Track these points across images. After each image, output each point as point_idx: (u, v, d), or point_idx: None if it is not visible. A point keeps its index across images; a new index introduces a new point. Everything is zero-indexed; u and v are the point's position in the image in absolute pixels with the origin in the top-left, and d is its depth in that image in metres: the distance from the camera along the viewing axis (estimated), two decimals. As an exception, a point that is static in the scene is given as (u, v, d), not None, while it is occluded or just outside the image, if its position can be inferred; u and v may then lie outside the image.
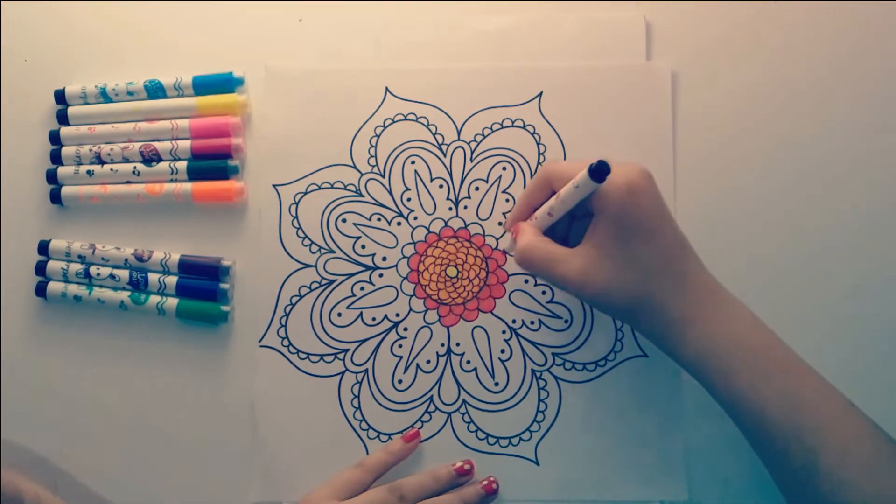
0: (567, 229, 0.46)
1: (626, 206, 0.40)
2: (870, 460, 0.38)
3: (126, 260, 0.52)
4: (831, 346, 0.50)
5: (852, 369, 0.49)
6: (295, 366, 0.50)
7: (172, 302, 0.51)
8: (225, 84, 0.52)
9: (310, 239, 0.51)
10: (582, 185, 0.40)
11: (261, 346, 0.51)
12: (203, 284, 0.51)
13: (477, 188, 0.51)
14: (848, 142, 0.51)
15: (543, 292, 0.50)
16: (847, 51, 0.51)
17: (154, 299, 0.51)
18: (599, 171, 0.39)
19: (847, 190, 0.50)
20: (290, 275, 0.51)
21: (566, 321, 0.50)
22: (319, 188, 0.51)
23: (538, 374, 0.50)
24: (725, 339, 0.41)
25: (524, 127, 0.51)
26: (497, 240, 0.51)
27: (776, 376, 0.40)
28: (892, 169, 0.50)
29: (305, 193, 0.51)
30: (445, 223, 0.51)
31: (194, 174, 0.52)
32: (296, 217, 0.51)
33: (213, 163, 0.52)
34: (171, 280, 0.51)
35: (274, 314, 0.51)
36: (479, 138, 0.51)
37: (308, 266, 0.51)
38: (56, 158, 0.53)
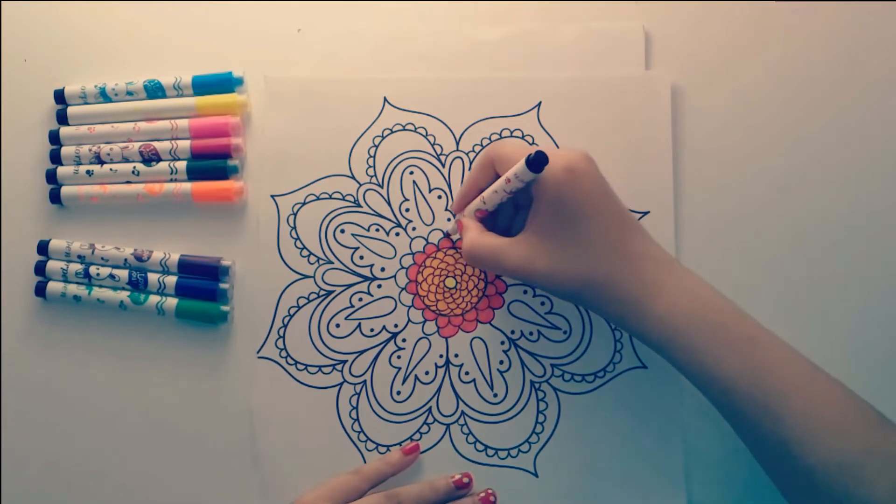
0: (512, 219, 0.47)
1: (564, 189, 0.41)
2: (836, 422, 0.38)
3: (126, 260, 0.52)
4: (833, 346, 0.49)
5: (853, 369, 0.49)
6: (293, 377, 0.50)
7: (172, 302, 0.51)
8: (224, 84, 0.52)
9: (308, 249, 0.51)
10: (520, 174, 0.41)
11: (259, 358, 0.50)
12: (203, 284, 0.51)
13: (475, 198, 0.51)
14: (849, 149, 0.50)
15: (542, 303, 0.50)
16: (846, 57, 0.51)
17: (154, 299, 0.51)
18: (537, 161, 0.39)
19: (849, 196, 0.50)
20: (289, 285, 0.51)
21: (565, 332, 0.50)
22: (318, 199, 0.51)
23: (537, 386, 0.50)
24: (685, 314, 0.40)
25: (523, 137, 0.51)
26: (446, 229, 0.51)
27: (739, 347, 0.39)
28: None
29: (304, 204, 0.51)
30: (444, 234, 0.51)
31: (194, 174, 0.52)
32: (294, 227, 0.51)
33: (212, 162, 0.52)
34: (171, 280, 0.51)
35: (272, 325, 0.51)
36: (477, 148, 0.51)
37: (306, 277, 0.51)
38: (56, 158, 0.53)
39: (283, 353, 0.50)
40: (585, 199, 0.41)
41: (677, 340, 0.40)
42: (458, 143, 0.51)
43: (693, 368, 0.40)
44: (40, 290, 0.52)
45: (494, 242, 0.43)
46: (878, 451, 0.37)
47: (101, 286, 0.52)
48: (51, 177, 0.53)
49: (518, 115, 0.51)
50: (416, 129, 0.51)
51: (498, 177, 0.44)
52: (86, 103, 0.54)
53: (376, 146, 0.51)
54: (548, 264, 0.41)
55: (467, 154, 0.51)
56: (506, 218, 0.47)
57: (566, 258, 0.41)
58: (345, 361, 0.50)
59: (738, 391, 0.39)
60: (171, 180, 0.52)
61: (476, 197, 0.46)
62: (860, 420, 0.38)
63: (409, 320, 0.50)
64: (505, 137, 0.51)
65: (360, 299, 0.51)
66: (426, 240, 0.51)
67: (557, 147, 0.51)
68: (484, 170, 0.45)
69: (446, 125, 0.51)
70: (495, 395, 0.50)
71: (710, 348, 0.40)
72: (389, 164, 0.51)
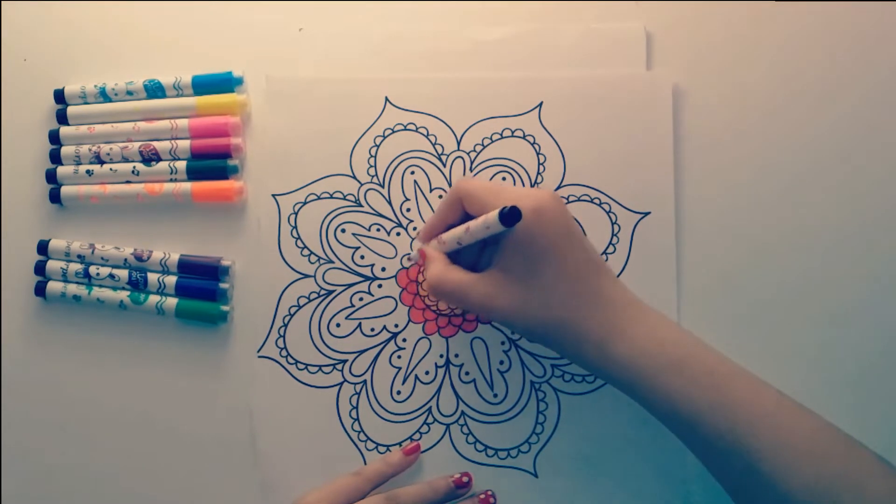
0: (478, 254, 0.46)
1: (531, 229, 0.40)
2: (807, 450, 0.38)
3: (125, 260, 0.52)
4: (833, 346, 0.49)
5: (853, 369, 0.49)
6: (293, 376, 0.50)
7: (172, 302, 0.51)
8: (224, 84, 0.52)
9: (309, 249, 0.51)
10: (491, 225, 0.40)
11: (259, 357, 0.50)
12: (202, 284, 0.51)
13: (476, 198, 0.51)
14: (850, 148, 0.50)
15: (543, 303, 0.50)
16: (846, 57, 0.51)
17: (153, 299, 0.51)
18: (511, 216, 0.39)
19: (850, 196, 0.50)
20: (289, 285, 0.51)
21: (566, 332, 0.50)
22: (319, 198, 0.51)
23: (537, 386, 0.50)
24: (649, 354, 0.40)
25: (524, 137, 0.51)
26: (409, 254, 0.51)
27: (704, 381, 0.39)
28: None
29: (305, 203, 0.51)
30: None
31: (194, 174, 0.52)
32: (295, 227, 0.51)
33: (212, 162, 0.52)
34: (171, 280, 0.51)
35: (272, 324, 0.51)
36: (478, 148, 0.51)
37: (307, 276, 0.51)
38: (55, 158, 0.53)
39: (284, 353, 0.50)
40: (552, 240, 0.41)
41: (643, 382, 0.40)
42: (459, 143, 0.51)
43: (661, 408, 0.40)
44: (40, 290, 0.52)
45: (460, 277, 0.43)
46: (849, 476, 0.37)
47: (101, 286, 0.52)
48: (51, 177, 0.53)
49: (519, 115, 0.51)
50: (417, 128, 0.51)
51: (465, 214, 0.44)
52: (86, 103, 0.53)
53: (377, 146, 0.51)
54: (512, 304, 0.41)
55: (468, 154, 0.51)
56: (471, 253, 0.46)
57: (531, 299, 0.41)
58: (345, 361, 0.50)
59: (706, 426, 0.39)
60: (171, 180, 0.52)
61: (443, 231, 0.46)
62: (831, 445, 0.38)
63: (409, 320, 0.50)
64: (506, 137, 0.51)
65: (361, 299, 0.51)
66: (427, 240, 0.51)
67: (561, 149, 0.51)
68: (452, 206, 0.45)
69: (447, 125, 0.51)
70: (495, 395, 0.50)
71: (675, 386, 0.39)
72: (390, 164, 0.51)
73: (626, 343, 0.40)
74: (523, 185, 0.51)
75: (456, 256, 0.46)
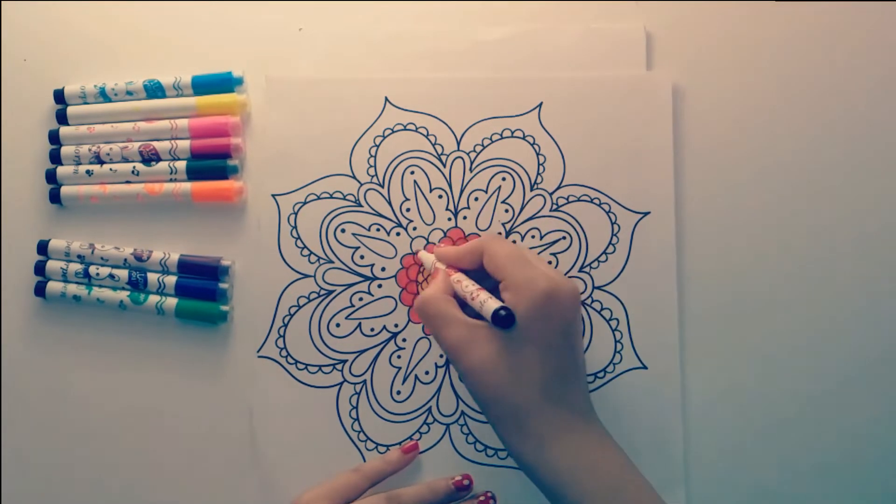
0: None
1: (533, 312, 0.39)
2: None
3: (125, 260, 0.52)
4: (832, 345, 0.49)
5: (853, 368, 0.49)
6: (293, 376, 0.50)
7: (172, 301, 0.51)
8: (224, 84, 0.52)
9: (308, 249, 0.51)
10: (486, 315, 0.40)
11: (259, 357, 0.50)
12: (202, 284, 0.51)
13: (476, 198, 0.51)
14: (850, 148, 0.50)
15: (543, 303, 0.50)
16: (846, 57, 0.51)
17: (153, 299, 0.51)
18: (505, 320, 0.39)
19: (850, 195, 0.50)
20: (289, 285, 0.51)
21: (565, 332, 0.50)
22: (318, 198, 0.51)
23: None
24: (587, 469, 0.39)
25: (524, 137, 0.51)
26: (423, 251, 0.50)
27: None
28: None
29: (304, 203, 0.51)
30: (444, 233, 0.51)
31: (193, 174, 0.52)
32: (294, 227, 0.51)
33: (212, 162, 0.52)
34: (171, 280, 0.51)
35: (272, 324, 0.51)
36: (478, 148, 0.51)
37: (307, 276, 0.51)
38: (55, 158, 0.53)
39: (284, 353, 0.50)
40: (549, 330, 0.40)
41: (569, 493, 0.39)
42: (458, 143, 0.51)
43: None
44: (40, 290, 0.52)
45: (448, 311, 0.42)
46: None
47: (100, 286, 0.52)
48: (50, 177, 0.53)
49: (519, 115, 0.51)
50: (417, 128, 0.51)
51: (482, 268, 0.43)
52: (85, 103, 0.53)
53: (377, 146, 0.51)
54: (482, 363, 0.40)
55: (468, 154, 0.51)
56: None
57: (501, 369, 0.40)
58: (345, 361, 0.50)
59: None
60: (171, 180, 0.52)
61: (462, 265, 0.45)
62: None
63: (409, 320, 0.50)
64: (506, 138, 0.51)
65: (361, 299, 0.51)
66: (427, 240, 0.51)
67: (560, 149, 0.51)
68: (473, 255, 0.44)
69: (447, 125, 0.51)
70: (495, 396, 0.50)
71: None
72: (390, 164, 0.51)
73: (567, 452, 0.39)
74: (522, 186, 0.51)
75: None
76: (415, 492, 0.47)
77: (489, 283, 0.43)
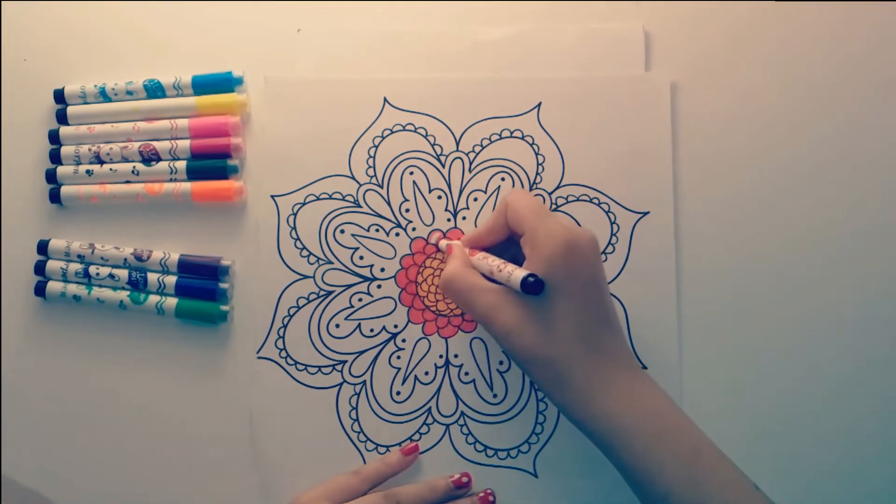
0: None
1: (557, 264, 0.40)
2: None
3: (125, 259, 0.52)
4: (832, 345, 0.50)
5: (853, 367, 0.49)
6: (293, 377, 0.50)
7: (172, 301, 0.51)
8: (224, 83, 0.52)
9: (308, 250, 0.51)
10: (513, 285, 0.40)
11: (258, 358, 0.50)
12: (202, 284, 0.51)
13: (475, 199, 0.51)
14: (850, 148, 0.50)
15: (542, 303, 0.50)
16: (846, 57, 0.51)
17: (153, 299, 0.51)
18: (534, 286, 0.39)
19: (849, 196, 0.50)
20: (288, 286, 0.51)
21: (565, 332, 0.50)
22: (318, 199, 0.51)
23: (537, 386, 0.50)
24: (633, 415, 0.39)
25: (523, 138, 0.51)
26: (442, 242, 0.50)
27: (684, 458, 0.39)
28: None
29: (304, 204, 0.51)
30: (444, 234, 0.51)
31: (194, 174, 0.52)
32: (294, 228, 0.51)
33: (212, 162, 0.52)
34: (171, 280, 0.51)
35: (272, 325, 0.51)
36: (477, 149, 0.51)
37: (306, 277, 0.51)
38: (55, 158, 0.53)
39: (283, 354, 0.50)
40: (573, 279, 0.40)
41: (621, 441, 0.39)
42: (458, 144, 0.51)
43: (634, 472, 0.40)
44: (40, 290, 0.52)
45: (474, 281, 0.43)
46: None
47: (100, 286, 0.52)
48: (50, 176, 0.53)
49: (518, 115, 0.51)
50: (416, 129, 0.51)
51: (510, 230, 0.44)
52: (85, 103, 0.53)
53: (376, 146, 0.51)
54: (514, 324, 0.40)
55: (467, 154, 0.51)
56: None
57: (533, 327, 0.40)
58: (344, 362, 0.50)
59: (675, 500, 0.38)
60: (171, 180, 0.52)
61: (488, 241, 0.46)
62: None
63: (408, 320, 0.50)
64: (505, 138, 0.51)
65: (360, 300, 0.51)
66: (426, 240, 0.51)
67: (560, 150, 0.51)
68: (499, 217, 0.45)
69: (446, 125, 0.51)
70: (495, 396, 0.50)
71: (653, 454, 0.39)
72: (389, 165, 0.51)
73: (613, 401, 0.40)
74: (522, 186, 0.51)
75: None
76: (414, 491, 0.48)
77: (509, 254, 0.45)
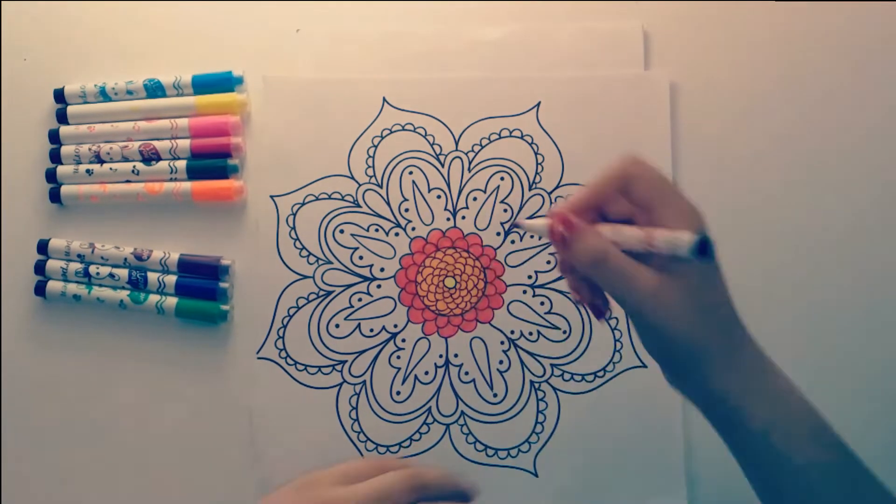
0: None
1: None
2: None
3: (125, 259, 0.52)
4: (832, 344, 0.49)
5: (852, 366, 0.49)
6: (293, 377, 0.50)
7: (172, 301, 0.51)
8: (224, 83, 0.52)
9: (307, 250, 0.51)
10: (678, 248, 0.36)
11: (258, 358, 0.50)
12: (202, 283, 0.51)
13: (475, 198, 0.51)
14: (849, 148, 0.50)
15: (542, 303, 0.50)
16: (846, 57, 0.51)
17: (153, 298, 0.51)
18: (707, 249, 0.35)
19: (849, 195, 0.50)
20: (288, 286, 0.51)
21: (565, 332, 0.50)
22: (317, 199, 0.51)
23: (537, 386, 0.50)
24: (783, 421, 0.38)
25: (522, 137, 0.51)
26: (509, 226, 0.50)
27: (828, 455, 0.38)
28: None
29: (303, 204, 0.51)
30: (443, 233, 0.51)
31: (194, 173, 0.52)
32: (293, 228, 0.51)
33: (212, 162, 0.52)
34: (171, 279, 0.51)
35: (272, 325, 0.51)
36: (476, 148, 0.51)
37: (306, 277, 0.51)
38: (55, 157, 0.53)
39: (283, 354, 0.50)
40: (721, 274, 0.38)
41: (773, 443, 0.38)
42: (457, 143, 0.51)
43: (780, 470, 0.39)
44: (40, 290, 0.52)
45: (628, 262, 0.37)
46: None
47: (100, 285, 0.52)
48: (51, 176, 0.53)
49: (517, 114, 0.51)
50: (415, 129, 0.51)
51: (623, 201, 0.39)
52: (86, 102, 0.54)
53: (375, 146, 0.51)
54: (678, 307, 0.37)
55: (466, 154, 0.51)
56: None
57: (693, 308, 0.37)
58: (344, 362, 0.50)
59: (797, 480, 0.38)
60: (171, 179, 0.52)
61: (588, 213, 0.39)
62: None
63: (408, 320, 0.50)
64: (504, 138, 0.51)
65: (360, 299, 0.51)
66: (425, 240, 0.51)
67: (559, 149, 0.50)
68: (613, 183, 0.38)
69: (445, 125, 0.51)
70: (495, 395, 0.50)
71: (802, 452, 0.38)
72: (389, 165, 0.51)
73: (761, 408, 0.38)
74: (521, 186, 0.51)
75: None
76: (442, 478, 0.41)
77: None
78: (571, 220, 0.38)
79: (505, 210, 0.51)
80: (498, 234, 0.51)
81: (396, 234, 0.51)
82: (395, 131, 0.51)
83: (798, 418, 0.39)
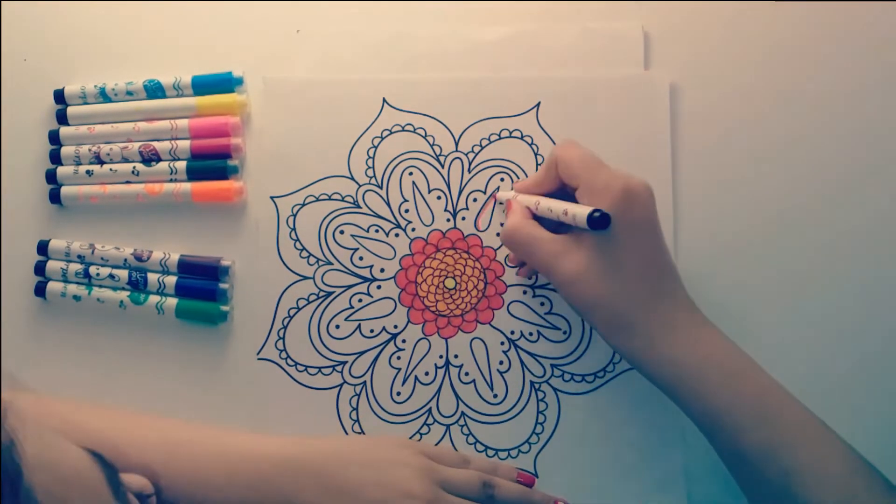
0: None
1: (617, 211, 0.40)
2: (846, 481, 0.38)
3: (125, 260, 0.52)
4: (832, 343, 0.50)
5: (852, 365, 0.49)
6: (293, 378, 0.50)
7: (172, 301, 0.51)
8: (224, 84, 0.52)
9: (307, 251, 0.51)
10: (578, 223, 0.41)
11: (259, 359, 0.50)
12: (202, 284, 0.51)
13: (475, 199, 0.51)
14: (849, 148, 0.50)
15: (542, 303, 0.50)
16: (845, 57, 0.51)
17: (153, 299, 0.51)
18: (600, 221, 0.39)
19: (849, 195, 0.50)
20: (288, 287, 0.51)
21: (565, 332, 0.50)
22: (317, 200, 0.51)
23: (537, 386, 0.50)
24: (699, 358, 0.40)
25: (522, 138, 0.51)
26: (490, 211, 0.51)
27: (752, 399, 0.40)
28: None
29: (303, 205, 0.51)
30: (443, 234, 0.51)
31: (194, 174, 0.52)
32: (293, 229, 0.51)
33: (212, 162, 0.52)
34: (171, 280, 0.51)
35: (272, 326, 0.51)
36: (476, 149, 0.51)
37: (306, 278, 0.51)
38: (55, 158, 0.53)
39: (283, 355, 0.50)
40: (634, 226, 0.41)
41: (687, 384, 0.40)
42: (457, 144, 0.51)
43: (702, 416, 0.40)
44: (40, 290, 0.52)
45: (535, 232, 0.44)
46: None
47: (100, 286, 0.52)
48: (50, 177, 0.53)
49: (517, 115, 0.51)
50: (415, 129, 0.51)
51: (560, 182, 0.45)
52: (86, 103, 0.53)
53: (375, 147, 0.51)
54: (575, 271, 0.41)
55: (466, 154, 0.51)
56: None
57: (596, 274, 0.41)
58: (345, 362, 0.50)
59: (747, 441, 0.39)
60: (171, 180, 0.52)
61: (535, 189, 0.47)
62: (869, 483, 0.38)
63: (408, 321, 0.50)
64: (504, 138, 0.51)
65: (360, 300, 0.51)
66: (425, 240, 0.51)
67: (554, 142, 0.50)
68: (549, 171, 0.45)
69: (445, 126, 0.51)
70: (495, 396, 0.50)
71: (721, 395, 0.40)
72: (389, 165, 0.51)
73: (678, 343, 0.40)
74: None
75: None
76: (516, 492, 0.46)
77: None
78: (509, 201, 0.47)
79: (505, 211, 0.51)
80: (498, 234, 0.51)
81: (396, 235, 0.51)
82: (395, 132, 0.51)
83: (759, 401, 0.40)
